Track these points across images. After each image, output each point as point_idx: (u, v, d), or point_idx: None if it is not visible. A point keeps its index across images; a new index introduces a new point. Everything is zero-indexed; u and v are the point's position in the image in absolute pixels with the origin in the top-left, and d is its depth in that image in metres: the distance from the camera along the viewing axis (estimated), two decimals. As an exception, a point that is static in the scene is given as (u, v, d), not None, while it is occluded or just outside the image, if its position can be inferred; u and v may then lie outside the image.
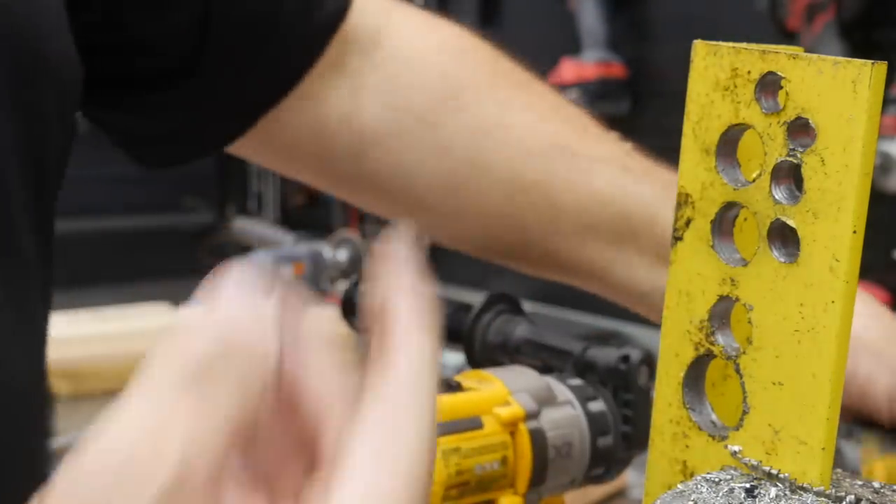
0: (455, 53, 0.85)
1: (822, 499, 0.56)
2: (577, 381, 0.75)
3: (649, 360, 0.75)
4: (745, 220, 0.60)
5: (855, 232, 0.55)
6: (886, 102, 1.69)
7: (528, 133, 0.83)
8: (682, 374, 0.61)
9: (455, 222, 0.87)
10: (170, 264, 2.69)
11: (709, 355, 0.61)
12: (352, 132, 0.83)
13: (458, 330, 0.81)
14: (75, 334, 1.99)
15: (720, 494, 0.56)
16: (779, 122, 0.57)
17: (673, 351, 0.62)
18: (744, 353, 0.59)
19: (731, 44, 0.59)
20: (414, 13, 0.87)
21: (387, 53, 0.83)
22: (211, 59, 0.79)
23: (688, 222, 0.61)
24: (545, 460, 0.71)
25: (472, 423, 0.69)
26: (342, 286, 1.91)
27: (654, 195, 0.83)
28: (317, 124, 0.83)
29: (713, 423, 0.61)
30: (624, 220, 0.83)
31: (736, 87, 0.58)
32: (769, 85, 0.58)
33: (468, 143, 0.83)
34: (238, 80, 0.81)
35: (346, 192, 0.91)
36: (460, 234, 0.90)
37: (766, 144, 0.57)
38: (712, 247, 0.60)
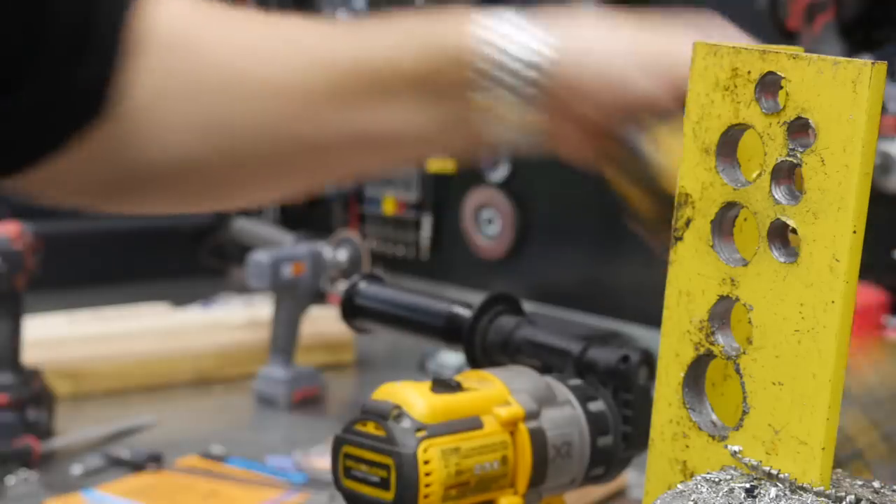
0: (194, 16, 0.88)
1: (822, 499, 0.56)
2: (577, 381, 0.75)
3: (649, 360, 0.75)
4: (745, 220, 0.60)
5: (855, 232, 0.55)
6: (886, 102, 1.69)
7: (256, 45, 0.88)
8: (682, 374, 0.61)
9: (231, 175, 0.88)
10: (170, 264, 2.68)
11: (709, 355, 0.61)
12: (130, 124, 0.84)
13: (458, 330, 0.82)
14: (75, 334, 1.98)
15: (720, 494, 0.56)
16: (779, 122, 0.57)
17: (673, 351, 0.62)
18: (744, 353, 0.59)
19: (731, 44, 0.59)
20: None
21: (150, 37, 0.85)
22: (35, 67, 0.79)
23: (688, 222, 0.61)
24: (545, 460, 0.71)
25: (472, 423, 0.69)
26: (342, 286, 1.91)
27: (384, 38, 0.85)
28: (106, 134, 0.83)
29: (713, 423, 0.61)
30: (366, 73, 0.84)
31: (736, 87, 0.59)
32: (769, 85, 0.58)
33: (213, 78, 0.86)
34: (59, 93, 0.81)
35: (133, 198, 0.90)
36: (241, 187, 0.91)
37: (766, 144, 0.58)
38: (712, 247, 0.60)
